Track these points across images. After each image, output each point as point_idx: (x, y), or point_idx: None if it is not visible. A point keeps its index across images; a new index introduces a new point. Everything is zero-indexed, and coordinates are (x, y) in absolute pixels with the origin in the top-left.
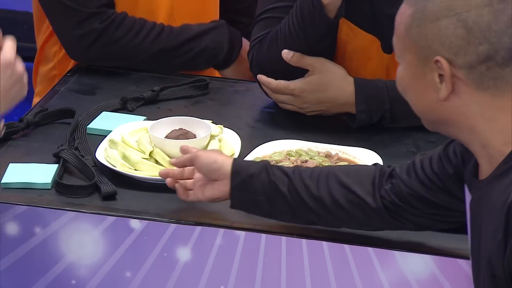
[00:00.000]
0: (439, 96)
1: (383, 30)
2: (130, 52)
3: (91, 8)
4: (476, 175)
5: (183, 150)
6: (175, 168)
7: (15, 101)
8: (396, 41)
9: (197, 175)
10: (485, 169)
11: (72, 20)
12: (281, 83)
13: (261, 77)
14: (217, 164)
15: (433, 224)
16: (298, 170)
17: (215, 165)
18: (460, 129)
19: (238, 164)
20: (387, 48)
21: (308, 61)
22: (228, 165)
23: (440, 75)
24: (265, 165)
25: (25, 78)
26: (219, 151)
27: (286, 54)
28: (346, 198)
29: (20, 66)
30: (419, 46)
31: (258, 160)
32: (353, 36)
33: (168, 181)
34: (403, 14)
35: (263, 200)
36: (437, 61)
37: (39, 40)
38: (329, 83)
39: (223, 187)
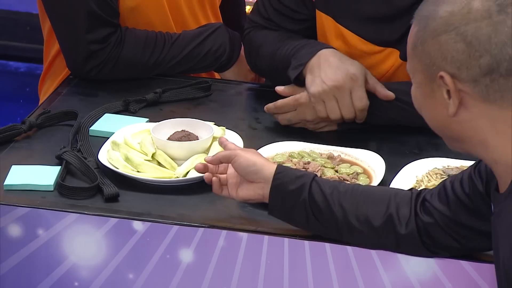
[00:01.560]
0: (448, 112)
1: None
2: (139, 71)
3: (96, 41)
4: (498, 189)
5: (222, 143)
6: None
7: None
8: (407, 61)
9: (231, 170)
10: (503, 183)
11: (80, 55)
12: (285, 99)
13: (269, 107)
14: (256, 167)
15: (466, 247)
16: (336, 190)
17: (253, 168)
18: (473, 144)
19: (279, 175)
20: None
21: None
22: (267, 169)
23: (448, 91)
24: (304, 183)
25: None
26: (257, 152)
27: (279, 89)
28: (382, 221)
29: None
30: (424, 64)
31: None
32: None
33: (206, 175)
34: (410, 34)
35: (298, 214)
36: (441, 77)
37: (49, 53)
38: None
39: (259, 190)
